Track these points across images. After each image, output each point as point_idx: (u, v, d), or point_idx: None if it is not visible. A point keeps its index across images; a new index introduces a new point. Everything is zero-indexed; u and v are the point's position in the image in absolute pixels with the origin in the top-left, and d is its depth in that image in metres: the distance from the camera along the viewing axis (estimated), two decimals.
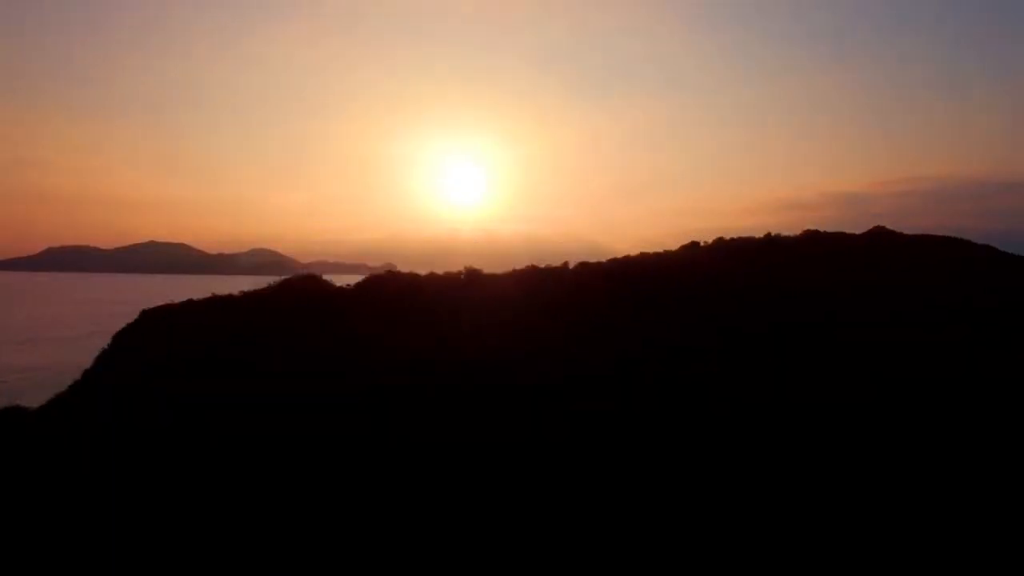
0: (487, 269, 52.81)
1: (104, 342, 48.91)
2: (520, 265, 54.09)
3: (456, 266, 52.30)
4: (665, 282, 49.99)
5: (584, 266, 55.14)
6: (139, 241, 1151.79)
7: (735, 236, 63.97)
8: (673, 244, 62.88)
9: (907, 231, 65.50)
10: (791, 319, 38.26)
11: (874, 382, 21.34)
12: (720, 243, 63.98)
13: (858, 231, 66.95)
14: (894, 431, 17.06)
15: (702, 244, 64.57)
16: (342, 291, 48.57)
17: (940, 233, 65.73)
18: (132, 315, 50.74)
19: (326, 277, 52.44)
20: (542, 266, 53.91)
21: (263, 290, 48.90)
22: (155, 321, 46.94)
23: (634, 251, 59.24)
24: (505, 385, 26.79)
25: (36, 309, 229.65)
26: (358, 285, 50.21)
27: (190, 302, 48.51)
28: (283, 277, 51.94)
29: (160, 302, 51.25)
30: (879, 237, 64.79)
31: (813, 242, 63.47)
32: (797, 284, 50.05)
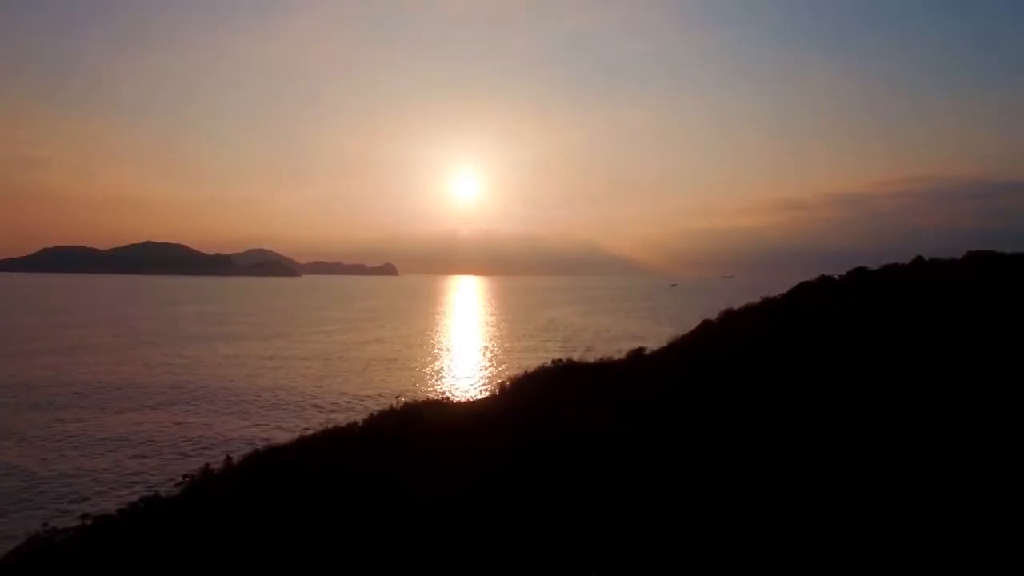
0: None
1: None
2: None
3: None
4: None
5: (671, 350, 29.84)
6: (136, 241, 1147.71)
7: (881, 265, 49.53)
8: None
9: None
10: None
11: None
12: (858, 274, 48.91)
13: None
14: None
15: (837, 278, 49.10)
16: None
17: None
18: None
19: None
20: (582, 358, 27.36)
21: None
22: None
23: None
24: None
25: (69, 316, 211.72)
26: None
27: None
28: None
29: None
30: None
31: (980, 266, 49.82)
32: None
